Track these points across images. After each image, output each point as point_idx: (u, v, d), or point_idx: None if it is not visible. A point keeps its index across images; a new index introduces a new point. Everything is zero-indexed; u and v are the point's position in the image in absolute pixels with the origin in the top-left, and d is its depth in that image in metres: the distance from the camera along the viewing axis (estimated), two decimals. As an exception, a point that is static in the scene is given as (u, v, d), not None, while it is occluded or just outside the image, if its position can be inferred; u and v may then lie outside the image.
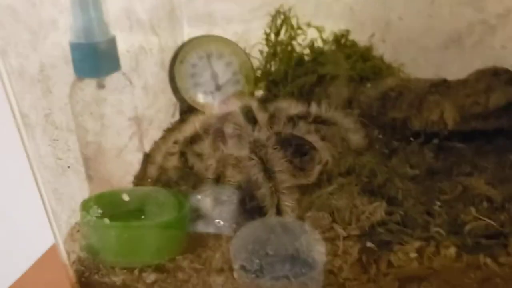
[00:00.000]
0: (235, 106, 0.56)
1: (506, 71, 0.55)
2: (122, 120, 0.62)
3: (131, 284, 0.44)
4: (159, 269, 0.44)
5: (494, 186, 0.46)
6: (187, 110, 0.70)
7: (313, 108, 0.52)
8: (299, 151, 0.49)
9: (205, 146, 0.50)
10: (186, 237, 0.46)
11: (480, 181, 0.47)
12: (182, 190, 0.50)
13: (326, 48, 0.68)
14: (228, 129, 0.52)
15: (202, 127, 0.52)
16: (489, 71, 0.56)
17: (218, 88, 0.71)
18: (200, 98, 0.70)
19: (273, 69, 0.69)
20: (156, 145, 0.63)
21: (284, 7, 0.67)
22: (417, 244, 0.39)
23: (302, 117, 0.51)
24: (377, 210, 0.42)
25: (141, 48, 0.62)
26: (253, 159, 0.46)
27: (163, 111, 0.69)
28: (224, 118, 0.53)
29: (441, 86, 0.56)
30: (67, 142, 0.46)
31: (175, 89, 0.70)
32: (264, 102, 0.58)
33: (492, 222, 0.41)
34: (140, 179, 0.58)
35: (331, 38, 0.68)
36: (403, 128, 0.57)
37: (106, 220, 0.42)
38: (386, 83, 0.58)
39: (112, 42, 0.57)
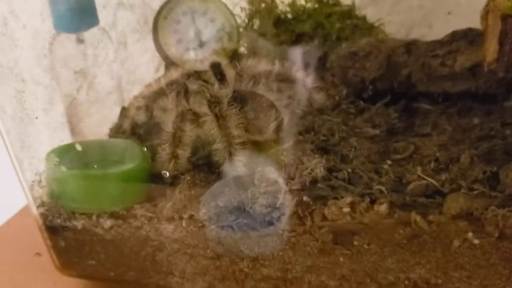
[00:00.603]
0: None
1: (479, 33, 0.54)
2: (100, 75, 0.64)
3: (90, 229, 0.47)
4: (114, 215, 0.46)
5: (445, 147, 0.46)
6: (171, 66, 0.72)
7: (276, 67, 0.52)
8: (257, 108, 0.50)
9: (168, 100, 0.52)
10: (146, 187, 0.48)
11: (432, 141, 0.47)
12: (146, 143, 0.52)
13: (308, 6, 0.67)
14: (193, 85, 0.53)
15: (168, 82, 0.53)
16: (462, 32, 0.55)
17: (201, 45, 0.72)
18: (182, 54, 0.71)
19: (255, 27, 0.69)
20: (133, 99, 0.65)
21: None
22: (349, 199, 0.40)
23: (265, 75, 0.52)
24: (317, 166, 0.43)
25: (120, 4, 0.63)
26: (209, 115, 0.47)
27: (145, 66, 0.71)
28: (189, 74, 0.55)
29: (411, 46, 0.56)
30: (36, 94, 0.48)
31: (158, 45, 0.71)
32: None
33: (434, 182, 0.42)
34: (115, 131, 0.60)
35: (314, -5, 0.67)
36: (372, 88, 0.57)
37: (63, 168, 0.45)
38: (358, 43, 0.58)
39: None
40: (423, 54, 0.54)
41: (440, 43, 0.57)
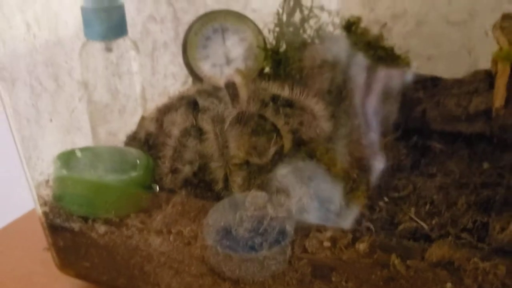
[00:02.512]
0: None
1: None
2: (125, 83, 0.66)
3: (86, 232, 0.49)
4: (108, 222, 0.48)
5: (446, 190, 0.45)
6: (197, 81, 0.73)
7: (286, 92, 0.52)
8: (261, 131, 0.50)
9: (177, 115, 0.53)
10: (144, 197, 0.49)
11: (434, 183, 0.46)
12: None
13: (336, 33, 0.67)
14: (205, 102, 0.54)
15: (179, 97, 0.54)
16: (484, 73, 0.54)
17: (228, 62, 0.73)
18: (209, 70, 0.72)
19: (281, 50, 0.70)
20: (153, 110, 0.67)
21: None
22: (329, 233, 0.39)
23: (273, 99, 0.52)
24: (305, 195, 0.43)
25: (151, 17, 0.66)
26: (210, 133, 0.48)
27: (172, 79, 0.73)
28: (204, 90, 0.56)
29: (429, 83, 0.54)
30: (53, 97, 0.50)
31: (186, 59, 0.72)
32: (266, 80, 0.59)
33: (424, 225, 0.41)
34: (131, 139, 0.62)
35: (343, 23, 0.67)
36: (385, 121, 0.56)
37: (64, 171, 0.47)
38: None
39: (120, 8, 0.61)
40: (439, 92, 0.53)
41: (460, 82, 0.55)
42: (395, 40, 0.67)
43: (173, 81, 0.74)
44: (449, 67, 0.62)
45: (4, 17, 0.44)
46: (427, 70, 0.62)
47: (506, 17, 0.38)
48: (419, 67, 0.64)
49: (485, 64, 0.52)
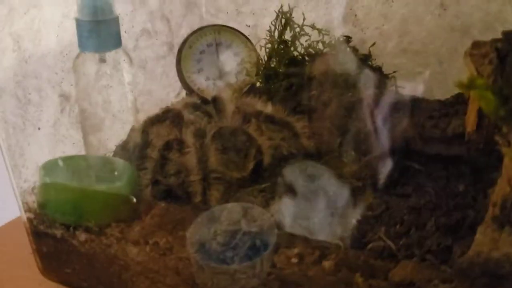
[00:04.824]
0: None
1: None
2: (117, 93, 0.68)
3: (68, 239, 0.50)
4: (89, 230, 0.49)
5: (418, 211, 0.46)
6: (190, 93, 0.75)
7: (268, 108, 0.54)
8: (242, 146, 0.51)
9: (162, 128, 0.54)
10: (125, 207, 0.51)
11: (407, 203, 0.47)
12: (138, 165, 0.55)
13: (325, 50, 0.68)
14: (191, 115, 0.56)
15: (166, 110, 0.56)
16: (466, 96, 0.54)
17: (221, 76, 0.74)
18: (201, 83, 0.74)
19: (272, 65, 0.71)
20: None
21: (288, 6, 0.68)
22: (297, 249, 0.40)
23: (256, 115, 0.53)
24: (279, 212, 0.44)
25: (145, 31, 0.67)
26: (191, 147, 0.49)
27: (166, 91, 0.74)
28: (191, 103, 0.57)
29: (411, 104, 0.55)
30: (41, 107, 0.52)
31: (180, 72, 0.74)
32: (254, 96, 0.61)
33: (392, 245, 0.42)
34: (120, 149, 0.63)
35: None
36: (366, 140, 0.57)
37: (47, 179, 0.48)
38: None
39: (115, 21, 0.63)
40: (419, 114, 0.54)
41: (442, 103, 0.56)
42: (385, 58, 0.68)
43: (166, 93, 0.75)
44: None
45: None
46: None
47: (475, 44, 0.39)
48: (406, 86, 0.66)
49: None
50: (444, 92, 0.59)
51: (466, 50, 0.40)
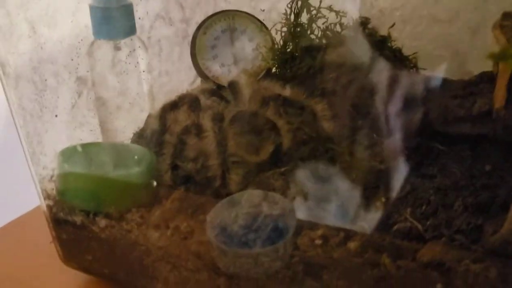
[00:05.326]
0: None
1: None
2: (133, 81, 0.67)
3: (88, 226, 0.50)
4: (109, 216, 0.49)
5: (444, 192, 0.44)
6: (206, 80, 0.74)
7: (287, 91, 0.53)
8: (260, 129, 0.51)
9: (179, 113, 0.54)
10: (145, 192, 0.50)
11: (432, 184, 0.45)
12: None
13: (343, 33, 0.67)
14: (207, 100, 0.55)
15: (183, 96, 0.55)
16: (491, 74, 0.53)
17: (236, 62, 0.73)
18: (216, 70, 0.73)
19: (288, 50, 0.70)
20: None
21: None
22: (321, 231, 0.39)
23: (274, 98, 0.52)
24: (299, 194, 0.43)
25: (159, 17, 0.66)
26: (209, 131, 0.49)
27: (181, 78, 0.73)
28: (208, 89, 0.56)
29: (433, 83, 0.54)
30: (57, 93, 0.51)
31: (194, 59, 0.73)
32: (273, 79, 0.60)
33: (419, 226, 0.41)
34: (137, 137, 0.63)
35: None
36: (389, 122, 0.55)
37: (66, 166, 0.48)
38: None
39: (129, 7, 0.62)
40: (442, 94, 0.52)
41: (466, 83, 0.55)
42: (404, 40, 0.67)
43: (181, 80, 0.75)
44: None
45: (7, 15, 0.45)
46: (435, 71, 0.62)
47: (506, 15, 0.37)
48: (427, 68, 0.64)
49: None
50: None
51: (495, 22, 0.38)
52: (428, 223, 0.40)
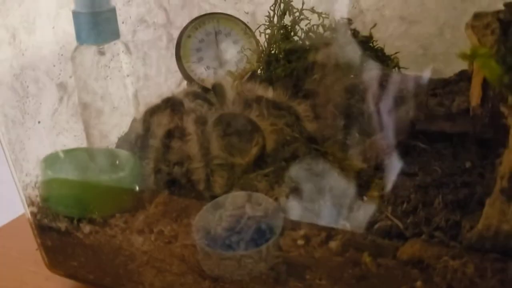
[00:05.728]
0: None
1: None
2: (118, 85, 0.67)
3: (72, 232, 0.50)
4: (93, 222, 0.49)
5: (424, 190, 0.45)
6: (191, 83, 0.74)
7: (269, 93, 0.53)
8: (244, 132, 0.51)
9: (163, 117, 0.54)
10: (129, 197, 0.50)
11: (413, 182, 0.46)
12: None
13: (326, 35, 0.68)
14: (191, 103, 0.55)
15: (166, 99, 0.55)
16: (471, 72, 0.54)
17: (221, 64, 0.74)
18: (202, 72, 0.73)
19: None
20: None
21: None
22: (303, 231, 0.39)
23: (257, 100, 0.52)
24: (281, 195, 0.43)
25: (143, 21, 0.67)
26: (193, 134, 0.49)
27: (166, 81, 0.74)
28: (192, 92, 0.57)
29: (412, 83, 0.54)
30: (39, 99, 0.51)
31: (179, 62, 0.73)
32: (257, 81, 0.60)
33: (399, 224, 0.41)
34: (122, 141, 0.63)
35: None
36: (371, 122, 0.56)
37: (49, 172, 0.48)
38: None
39: (112, 12, 0.62)
40: (423, 92, 0.53)
41: (446, 81, 0.55)
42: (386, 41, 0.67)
43: (167, 84, 0.75)
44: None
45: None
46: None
47: (476, 16, 0.38)
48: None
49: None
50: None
51: (467, 22, 0.39)
52: (409, 221, 0.41)
